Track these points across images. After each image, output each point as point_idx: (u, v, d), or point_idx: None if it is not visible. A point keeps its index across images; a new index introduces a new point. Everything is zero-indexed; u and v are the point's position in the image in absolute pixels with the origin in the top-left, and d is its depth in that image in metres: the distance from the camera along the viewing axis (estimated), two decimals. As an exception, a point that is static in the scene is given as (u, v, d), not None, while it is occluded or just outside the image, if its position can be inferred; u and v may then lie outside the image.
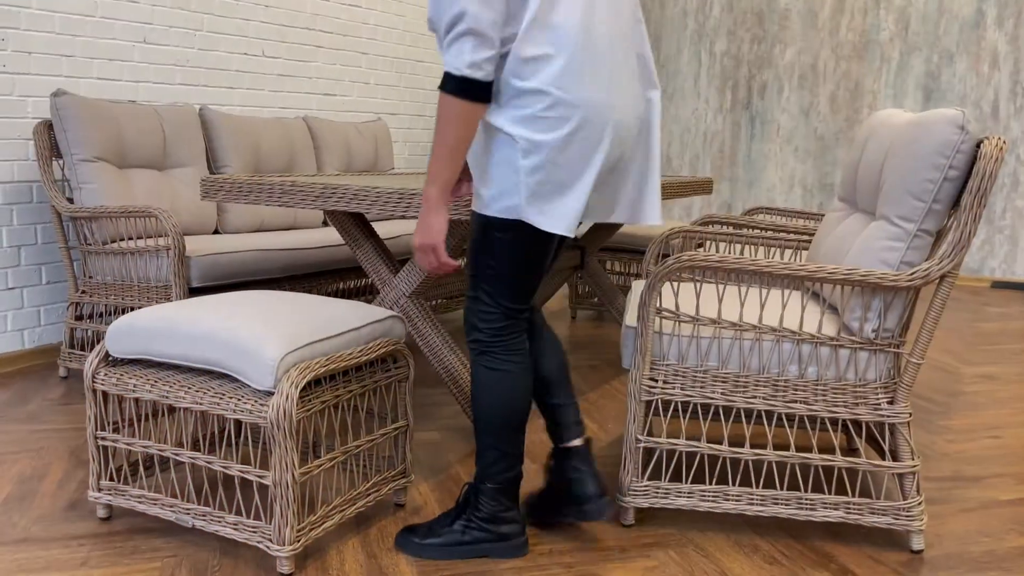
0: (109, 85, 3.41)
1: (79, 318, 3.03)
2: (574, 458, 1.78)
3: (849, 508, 1.80)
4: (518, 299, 1.65)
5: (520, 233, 1.57)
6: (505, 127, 1.50)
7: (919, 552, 1.78)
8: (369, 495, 1.81)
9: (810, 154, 5.98)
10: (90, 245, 2.92)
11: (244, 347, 1.59)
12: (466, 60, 1.40)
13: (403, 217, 3.88)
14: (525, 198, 1.52)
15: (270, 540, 1.60)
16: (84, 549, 1.73)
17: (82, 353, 2.97)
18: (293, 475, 1.58)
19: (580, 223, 1.62)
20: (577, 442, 1.79)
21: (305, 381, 1.58)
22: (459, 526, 1.72)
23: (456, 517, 1.74)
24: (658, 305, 1.82)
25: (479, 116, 1.47)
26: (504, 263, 1.61)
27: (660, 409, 1.86)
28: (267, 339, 1.59)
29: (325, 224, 3.88)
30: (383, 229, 3.63)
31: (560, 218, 1.53)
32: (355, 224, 2.47)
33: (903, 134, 1.81)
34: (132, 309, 3.20)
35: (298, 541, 1.61)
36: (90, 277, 2.96)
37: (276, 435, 1.55)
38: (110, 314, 3.13)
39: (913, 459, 1.77)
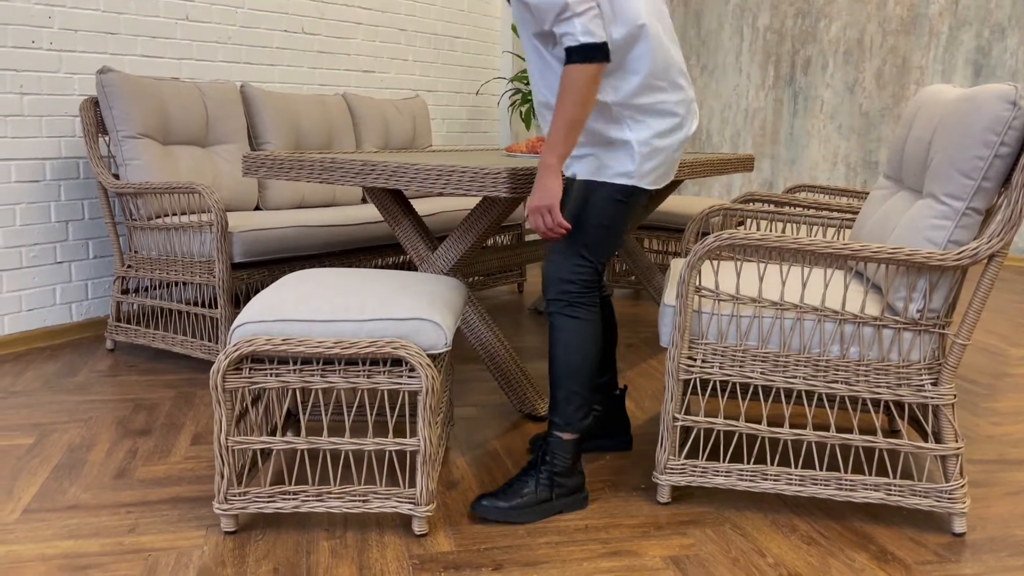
0: (153, 62, 3.45)
1: (125, 292, 3.09)
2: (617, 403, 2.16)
3: (890, 490, 1.78)
4: (610, 254, 1.86)
5: (631, 197, 1.82)
6: (626, 135, 1.78)
7: (961, 535, 1.76)
8: (354, 499, 1.71)
9: (854, 131, 5.86)
10: (135, 220, 2.97)
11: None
12: (579, 30, 1.62)
13: (441, 194, 3.88)
14: (638, 173, 1.79)
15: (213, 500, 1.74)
16: (132, 516, 1.77)
17: (128, 326, 3.03)
18: (220, 440, 1.67)
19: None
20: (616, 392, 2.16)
21: (239, 354, 1.62)
22: (543, 484, 1.83)
23: (535, 475, 1.84)
24: (698, 284, 1.81)
25: (599, 81, 1.67)
26: (612, 223, 1.81)
27: (698, 388, 1.85)
28: (250, 308, 1.71)
29: (364, 201, 3.90)
30: (421, 206, 3.65)
31: (665, 175, 1.86)
32: (394, 201, 2.48)
33: (953, 110, 1.76)
34: (176, 284, 3.26)
35: (229, 503, 1.69)
36: (135, 252, 3.02)
37: (213, 395, 1.66)
38: (155, 288, 3.19)
39: (956, 441, 1.74)
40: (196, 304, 3.53)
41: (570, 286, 1.82)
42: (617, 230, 1.82)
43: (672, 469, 1.85)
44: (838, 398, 1.94)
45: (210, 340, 2.83)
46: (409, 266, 3.63)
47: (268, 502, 1.69)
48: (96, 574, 1.53)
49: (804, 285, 1.77)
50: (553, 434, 1.83)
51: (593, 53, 1.63)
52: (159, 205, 2.95)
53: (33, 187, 3.08)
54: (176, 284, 3.47)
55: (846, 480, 1.79)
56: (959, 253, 1.67)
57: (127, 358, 3.00)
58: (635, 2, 1.72)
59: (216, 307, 2.81)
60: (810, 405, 1.88)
